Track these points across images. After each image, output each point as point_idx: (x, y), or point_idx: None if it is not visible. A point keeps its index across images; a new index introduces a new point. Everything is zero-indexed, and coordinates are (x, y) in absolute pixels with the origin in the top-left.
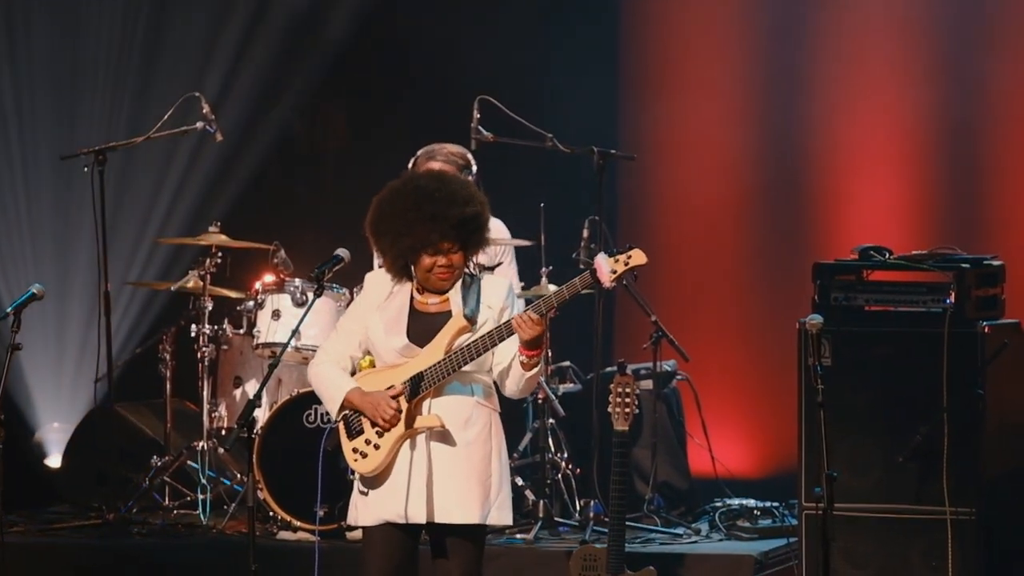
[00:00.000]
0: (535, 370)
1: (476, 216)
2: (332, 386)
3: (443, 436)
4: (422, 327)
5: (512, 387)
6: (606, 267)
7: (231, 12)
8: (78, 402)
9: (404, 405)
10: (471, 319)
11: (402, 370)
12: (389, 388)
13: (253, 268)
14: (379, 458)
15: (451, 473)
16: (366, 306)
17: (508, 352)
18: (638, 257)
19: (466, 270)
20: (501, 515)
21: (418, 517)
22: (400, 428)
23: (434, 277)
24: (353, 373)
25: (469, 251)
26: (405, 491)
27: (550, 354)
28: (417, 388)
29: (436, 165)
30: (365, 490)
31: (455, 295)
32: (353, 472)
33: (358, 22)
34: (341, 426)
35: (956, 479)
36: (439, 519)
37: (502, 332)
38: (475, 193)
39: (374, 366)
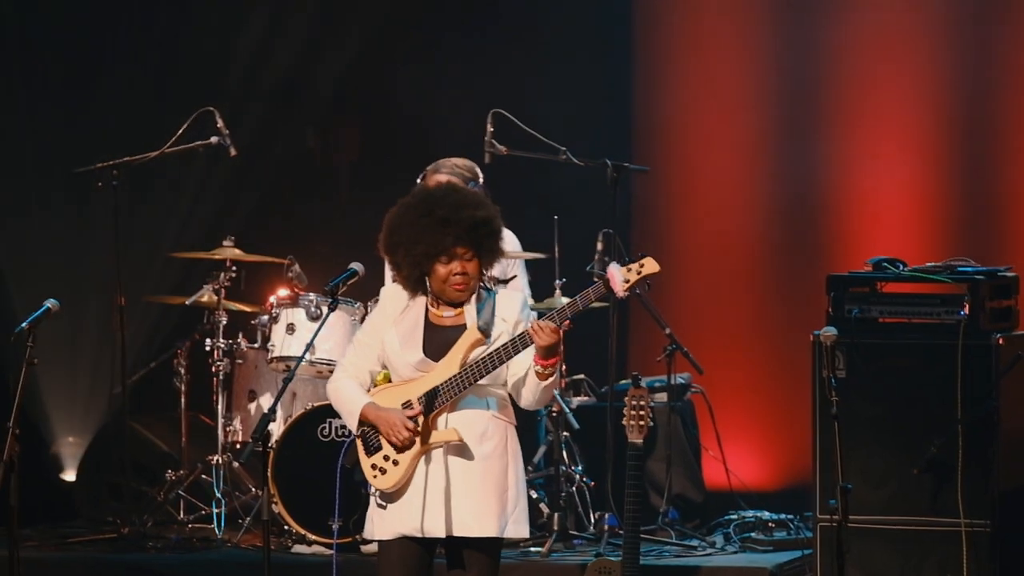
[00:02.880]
0: (551, 380)
1: (488, 220)
2: (348, 401)
3: (460, 450)
4: (437, 341)
5: (528, 398)
6: (619, 277)
7: (245, 26)
8: (93, 416)
9: (420, 420)
10: (485, 332)
11: (417, 384)
12: (406, 405)
13: (267, 282)
14: (398, 474)
15: (468, 487)
16: (382, 320)
17: (523, 364)
18: (651, 266)
19: (481, 284)
20: (518, 528)
21: (436, 531)
22: (418, 444)
23: (450, 288)
24: (371, 388)
25: (484, 259)
26: (422, 505)
27: (564, 368)
28: (432, 403)
29: (443, 177)
30: (384, 504)
31: (470, 308)
32: (370, 487)
33: (371, 36)
34: (359, 442)
35: (970, 491)
36: (457, 533)
37: (517, 344)
38: (486, 201)
39: (390, 380)
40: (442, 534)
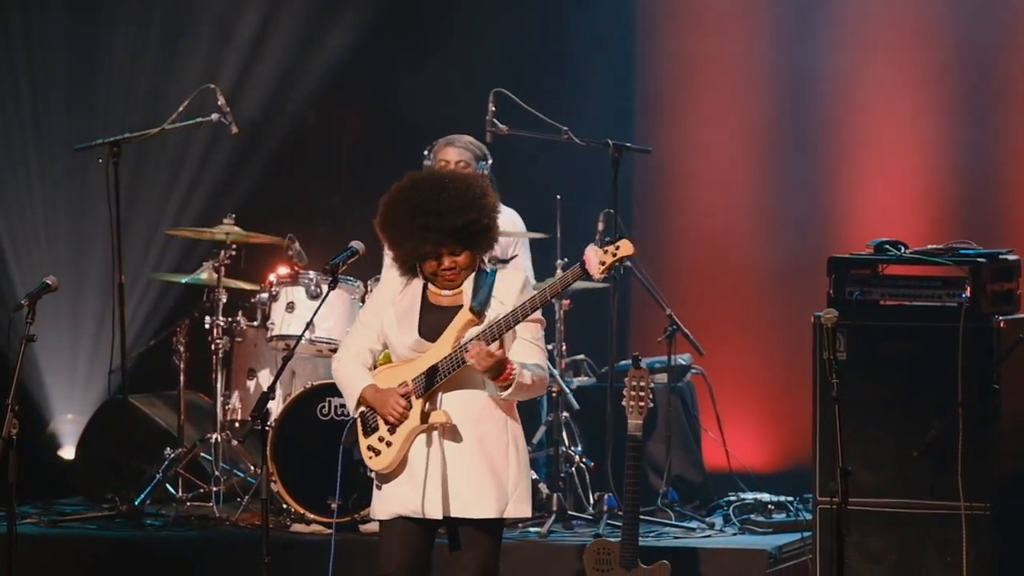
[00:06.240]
0: (507, 392)
1: (470, 224)
2: (349, 384)
3: (457, 431)
4: (434, 321)
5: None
6: (595, 259)
7: (247, 3)
8: (92, 393)
9: (415, 401)
10: (478, 313)
11: (414, 365)
12: (401, 385)
13: (267, 260)
14: (391, 455)
15: (466, 468)
16: (382, 299)
17: (517, 352)
18: (626, 248)
19: (481, 266)
20: (519, 508)
21: (435, 512)
22: (410, 424)
23: (439, 279)
24: (375, 366)
25: (476, 250)
26: (421, 486)
27: (564, 347)
28: (428, 383)
29: (453, 151)
30: (380, 485)
31: (468, 287)
32: (372, 472)
33: (374, 16)
34: (359, 423)
35: (970, 474)
36: (455, 514)
37: (509, 321)
38: (474, 198)
39: (391, 361)
40: (440, 515)
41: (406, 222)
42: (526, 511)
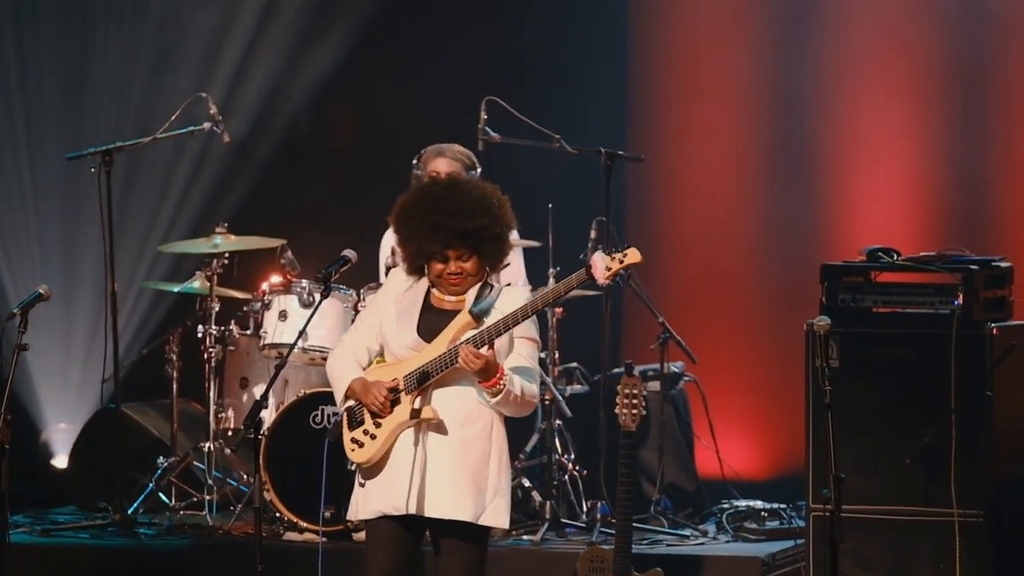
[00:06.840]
0: (496, 399)
1: (480, 229)
2: (339, 377)
3: (441, 432)
4: (433, 323)
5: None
6: (601, 265)
7: (239, 11)
8: (84, 403)
9: (405, 397)
10: (477, 317)
11: (408, 364)
12: (392, 381)
13: (260, 269)
14: (375, 447)
15: (446, 469)
16: (384, 298)
17: (511, 360)
18: (633, 256)
19: (490, 282)
20: (496, 517)
21: (412, 508)
22: (396, 419)
23: (444, 283)
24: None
25: (485, 258)
26: (401, 484)
27: (557, 356)
28: (419, 381)
29: (443, 162)
30: (363, 482)
31: (471, 295)
32: (354, 465)
33: (367, 22)
34: (344, 417)
35: (964, 481)
36: (430, 513)
37: (498, 328)
38: (489, 205)
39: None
40: (420, 511)
41: (418, 219)
42: (503, 522)
